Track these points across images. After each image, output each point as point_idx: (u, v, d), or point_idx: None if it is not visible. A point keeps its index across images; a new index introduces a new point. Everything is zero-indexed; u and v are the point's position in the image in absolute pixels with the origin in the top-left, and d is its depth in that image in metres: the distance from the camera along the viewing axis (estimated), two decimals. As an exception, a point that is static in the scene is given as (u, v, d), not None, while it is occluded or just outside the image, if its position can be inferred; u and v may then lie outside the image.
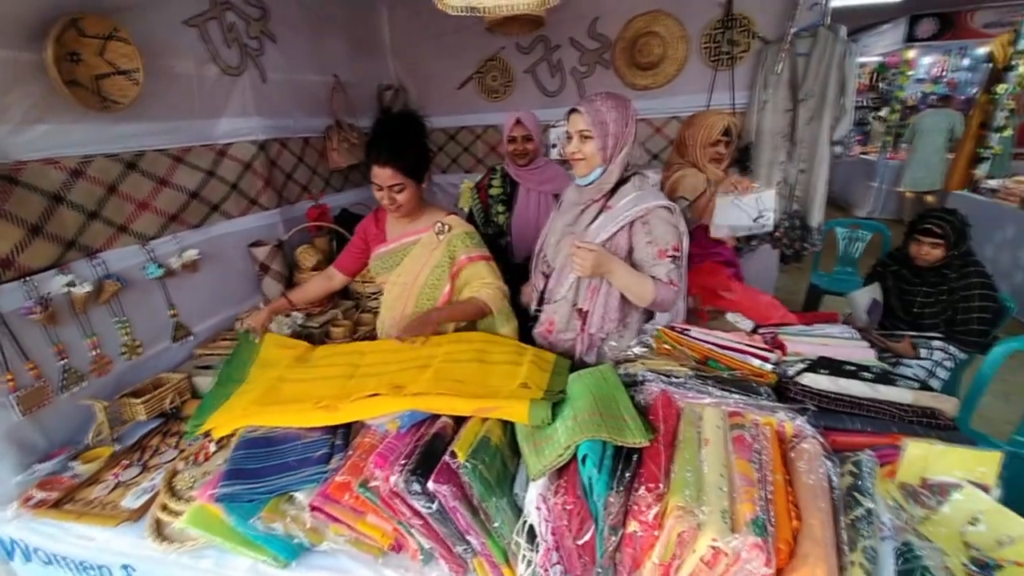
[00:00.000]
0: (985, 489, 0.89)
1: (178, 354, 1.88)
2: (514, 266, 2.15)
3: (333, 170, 2.76)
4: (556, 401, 1.08)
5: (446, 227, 1.58)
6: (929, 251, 1.94)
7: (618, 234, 1.42)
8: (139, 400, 1.54)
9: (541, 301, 1.61)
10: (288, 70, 2.37)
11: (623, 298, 1.46)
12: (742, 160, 2.71)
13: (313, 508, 0.98)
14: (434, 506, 0.89)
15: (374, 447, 1.03)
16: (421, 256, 1.58)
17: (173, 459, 1.39)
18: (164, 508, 1.17)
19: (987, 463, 0.90)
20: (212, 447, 1.37)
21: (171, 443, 1.50)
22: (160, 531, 1.15)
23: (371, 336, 1.89)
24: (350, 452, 1.06)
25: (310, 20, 2.51)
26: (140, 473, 1.37)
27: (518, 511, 0.94)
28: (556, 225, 1.61)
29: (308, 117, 2.55)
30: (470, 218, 2.37)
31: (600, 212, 1.46)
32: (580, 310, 1.51)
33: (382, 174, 1.45)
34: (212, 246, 1.99)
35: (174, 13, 1.81)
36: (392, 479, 0.91)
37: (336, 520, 0.99)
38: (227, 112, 2.06)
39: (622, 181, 1.45)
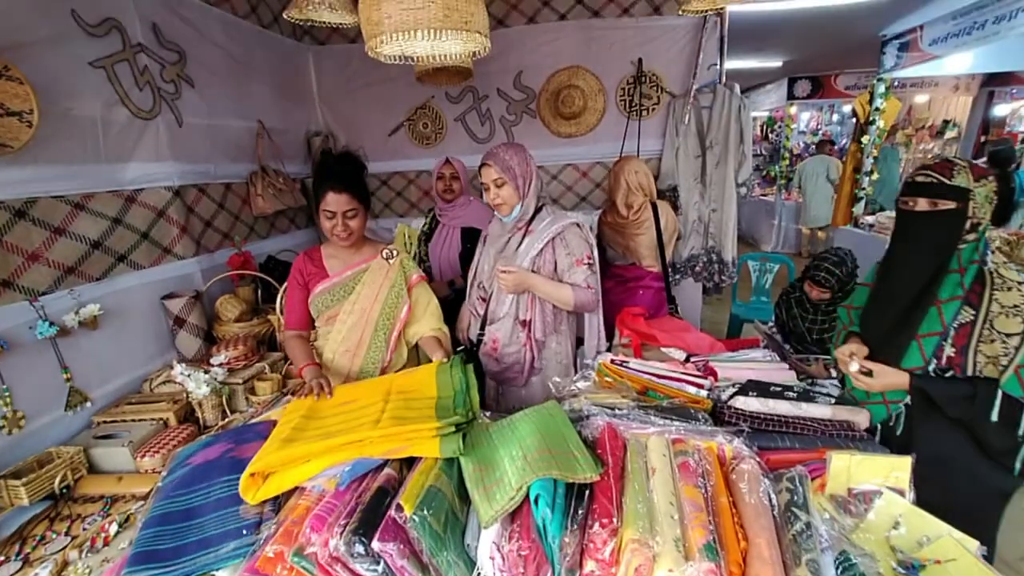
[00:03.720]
0: (901, 493, 0.97)
1: (73, 423, 1.64)
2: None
3: (258, 216, 2.64)
4: (465, 426, 1.10)
5: (393, 252, 1.69)
6: (819, 294, 2.21)
7: (544, 251, 1.66)
8: (20, 481, 1.32)
9: (483, 325, 1.79)
10: (207, 115, 2.27)
11: (554, 305, 1.70)
12: (674, 199, 2.92)
13: (239, 587, 0.87)
14: (379, 568, 0.83)
15: (310, 509, 0.95)
16: (375, 281, 1.64)
17: (63, 548, 1.19)
18: (50, 609, 0.99)
19: (900, 468, 0.98)
20: (113, 529, 1.19)
21: (61, 529, 1.28)
22: (44, 638, 0.96)
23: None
24: (281, 518, 0.97)
25: (231, 65, 2.44)
26: (20, 569, 1.15)
27: (471, 563, 0.89)
28: (488, 254, 1.79)
29: (230, 163, 2.44)
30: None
31: (524, 237, 1.69)
32: (523, 321, 1.72)
33: (338, 200, 1.51)
34: (117, 300, 1.80)
35: (79, 53, 1.70)
36: (331, 543, 0.83)
37: (266, 598, 0.89)
38: (137, 156, 1.93)
39: (537, 210, 1.70)
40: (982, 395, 1.15)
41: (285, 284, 1.76)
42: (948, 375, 1.21)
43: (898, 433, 1.31)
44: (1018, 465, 1.19)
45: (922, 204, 1.23)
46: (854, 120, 5.21)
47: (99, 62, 1.76)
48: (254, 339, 2.08)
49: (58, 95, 1.60)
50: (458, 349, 1.78)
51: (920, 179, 1.23)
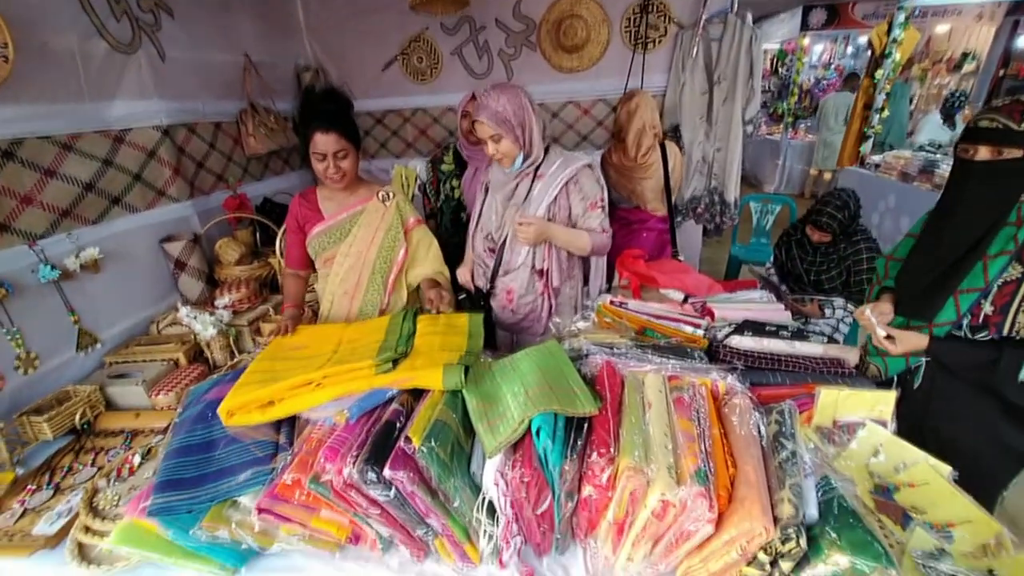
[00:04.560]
0: (884, 424, 1.02)
1: (86, 364, 1.70)
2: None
3: (251, 157, 2.58)
4: (470, 364, 1.12)
5: (390, 194, 1.63)
6: (820, 236, 2.19)
7: (558, 197, 1.59)
8: (42, 417, 1.38)
9: (494, 276, 1.72)
10: (191, 48, 2.16)
11: (568, 251, 1.68)
12: (676, 139, 2.83)
13: (261, 510, 0.93)
14: (391, 493, 0.88)
15: (322, 441, 1.00)
16: (372, 223, 1.61)
17: (91, 477, 1.26)
18: (86, 530, 1.07)
19: (884, 401, 1.03)
20: (136, 460, 1.26)
21: (86, 460, 1.36)
22: (84, 555, 1.04)
23: (310, 323, 1.81)
24: (296, 450, 1.02)
25: (212, -7, 2.30)
26: (52, 496, 1.23)
27: (476, 489, 0.95)
28: (495, 201, 1.69)
29: (218, 100, 2.35)
30: (423, 191, 2.50)
31: (534, 182, 1.59)
32: (540, 271, 1.68)
33: (326, 140, 1.44)
34: (116, 243, 1.80)
35: (49, -20, 1.59)
36: (345, 471, 0.89)
37: (287, 520, 0.95)
38: (122, 94, 1.86)
39: (544, 151, 1.61)
40: (1008, 359, 1.08)
41: (284, 225, 1.75)
42: (982, 335, 1.13)
43: (915, 386, 1.29)
44: None
45: (983, 153, 1.09)
46: (869, 52, 4.97)
47: (71, -11, 1.65)
48: (256, 282, 2.09)
49: (32, 27, 1.52)
50: (460, 297, 1.79)
51: (984, 124, 1.07)
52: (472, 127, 2.16)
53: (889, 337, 1.22)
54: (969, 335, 1.16)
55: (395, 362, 1.15)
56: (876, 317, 1.25)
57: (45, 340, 1.57)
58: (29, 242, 1.53)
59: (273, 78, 2.70)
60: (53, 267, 1.55)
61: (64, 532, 1.10)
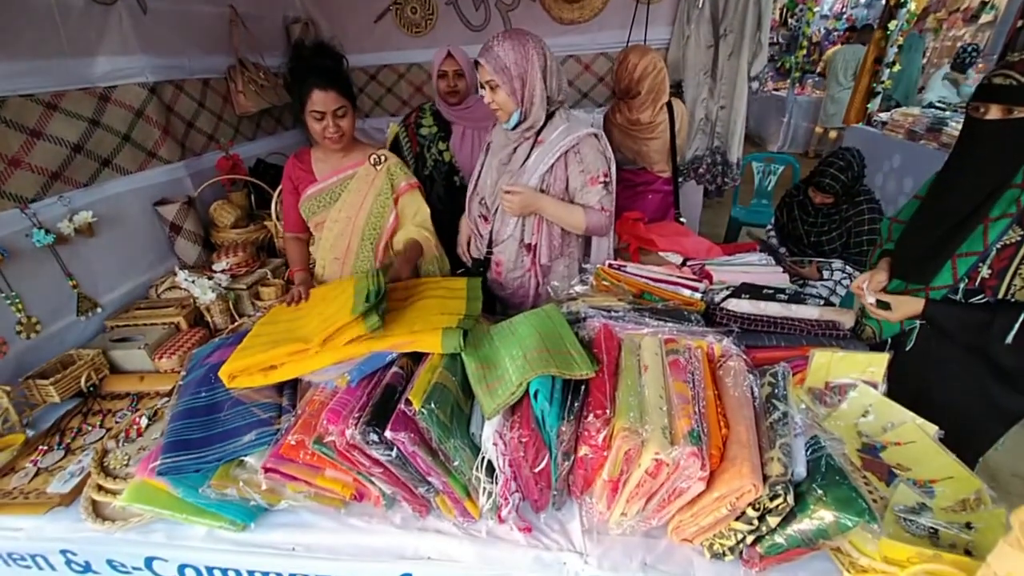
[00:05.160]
0: (875, 386, 1.04)
1: (88, 328, 1.71)
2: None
3: (242, 116, 2.51)
4: (469, 328, 1.11)
5: (382, 157, 1.58)
6: (822, 198, 2.16)
7: (555, 166, 1.46)
8: (48, 381, 1.40)
9: (490, 244, 1.64)
10: (173, -1, 2.06)
11: (563, 227, 1.55)
12: (679, 95, 2.75)
13: (267, 470, 0.96)
14: (393, 453, 0.91)
15: (325, 404, 1.02)
16: (361, 188, 1.57)
17: (100, 438, 1.29)
18: (99, 488, 1.10)
19: (876, 363, 1.04)
20: (144, 421, 1.29)
21: (94, 422, 1.39)
22: (98, 512, 1.09)
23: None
24: (299, 412, 1.05)
25: (191, -63, 2.17)
26: (64, 457, 1.27)
27: (476, 449, 0.98)
28: (491, 166, 1.60)
29: (205, 55, 2.26)
30: (395, 150, 2.23)
31: (533, 148, 1.47)
32: (528, 245, 1.57)
33: (326, 98, 1.39)
34: (109, 206, 1.78)
35: (16, -77, 1.50)
36: (348, 433, 0.91)
37: (293, 479, 0.98)
38: (104, 49, 1.78)
39: (548, 115, 1.46)
40: (1001, 321, 1.08)
41: (280, 187, 1.72)
42: (976, 298, 1.13)
43: (907, 348, 1.29)
44: None
45: (994, 112, 1.04)
46: (884, 2, 4.75)
47: (41, -66, 1.56)
48: (253, 245, 2.08)
49: (3, -25, 1.44)
50: (458, 271, 1.75)
51: (997, 81, 1.02)
52: (451, 87, 2.01)
53: (884, 305, 1.22)
54: (963, 299, 1.16)
55: (378, 308, 1.13)
56: (869, 285, 1.25)
57: (45, 305, 1.58)
58: (21, 205, 1.50)
59: (261, 31, 2.59)
60: (47, 231, 1.53)
61: (77, 491, 1.14)
